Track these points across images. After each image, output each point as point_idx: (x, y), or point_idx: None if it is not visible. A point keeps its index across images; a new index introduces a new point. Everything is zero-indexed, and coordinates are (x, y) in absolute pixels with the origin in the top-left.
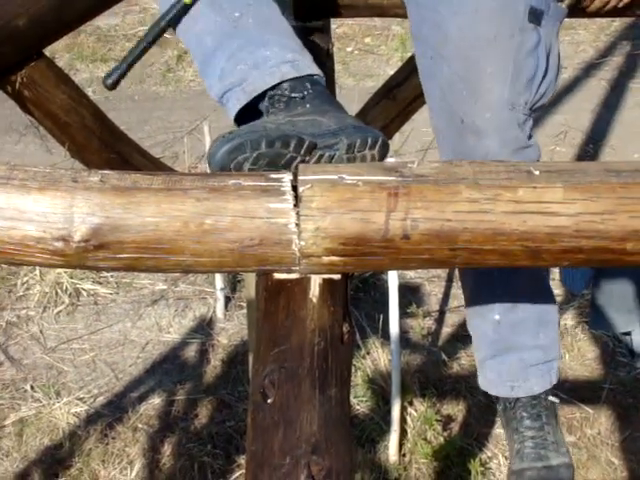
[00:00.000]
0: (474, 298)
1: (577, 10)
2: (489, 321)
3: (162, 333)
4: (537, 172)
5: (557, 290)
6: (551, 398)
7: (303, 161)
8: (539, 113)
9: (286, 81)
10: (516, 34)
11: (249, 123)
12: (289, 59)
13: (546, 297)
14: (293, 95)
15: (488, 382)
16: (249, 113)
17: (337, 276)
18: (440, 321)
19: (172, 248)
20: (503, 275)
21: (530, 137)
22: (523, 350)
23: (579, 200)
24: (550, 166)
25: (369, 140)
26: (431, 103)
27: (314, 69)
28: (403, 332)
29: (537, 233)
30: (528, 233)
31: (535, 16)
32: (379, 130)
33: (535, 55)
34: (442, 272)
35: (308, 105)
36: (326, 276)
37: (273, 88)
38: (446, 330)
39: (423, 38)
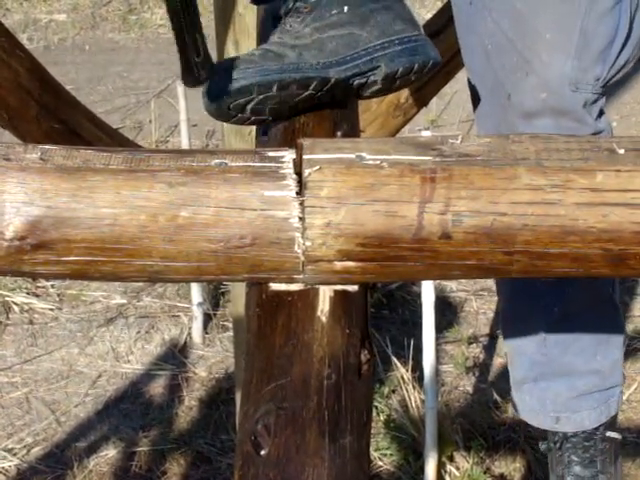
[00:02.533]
0: (512, 306)
1: None
2: (532, 338)
3: (120, 362)
4: (622, 150)
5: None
6: (610, 434)
7: (322, 96)
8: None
9: None
10: None
11: (257, 51)
12: None
13: (608, 309)
14: None
15: (526, 409)
16: None
17: (354, 287)
18: (490, 349)
19: (135, 249)
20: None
21: (600, 118)
22: (574, 375)
23: None
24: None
25: (415, 66)
26: (470, 63)
27: None
28: (441, 363)
29: (621, 232)
30: (609, 232)
31: None
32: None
33: (614, 15)
34: (493, 284)
35: (346, 8)
36: (339, 287)
37: None
38: (498, 361)
39: None
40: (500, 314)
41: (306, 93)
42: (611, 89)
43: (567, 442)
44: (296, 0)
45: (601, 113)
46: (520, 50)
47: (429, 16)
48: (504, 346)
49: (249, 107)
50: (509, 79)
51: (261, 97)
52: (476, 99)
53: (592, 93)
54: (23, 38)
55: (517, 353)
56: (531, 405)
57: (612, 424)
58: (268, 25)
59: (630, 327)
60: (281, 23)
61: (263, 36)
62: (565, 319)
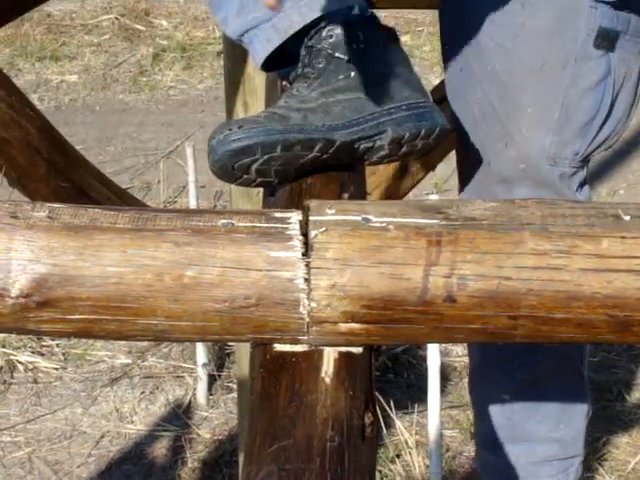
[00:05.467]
0: (481, 369)
1: None
2: (497, 401)
3: (123, 423)
4: (627, 217)
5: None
6: None
7: (328, 158)
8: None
9: (330, 24)
10: (570, 65)
11: (262, 113)
12: None
13: (575, 379)
14: (337, 55)
15: (488, 470)
16: (279, 54)
17: (358, 349)
18: None
19: (140, 308)
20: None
21: (581, 189)
22: (535, 441)
23: None
24: None
25: (422, 131)
26: (459, 126)
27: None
28: (446, 428)
29: (626, 298)
30: (614, 298)
31: (606, 39)
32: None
33: (598, 91)
34: None
35: (353, 73)
36: (344, 349)
37: (312, 30)
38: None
39: (453, 43)
40: (469, 375)
41: (311, 155)
42: (618, 157)
43: None
44: (304, 66)
45: (582, 184)
46: (503, 121)
47: (437, 82)
48: (471, 405)
49: (254, 168)
50: (491, 147)
51: (265, 157)
52: (461, 161)
53: (570, 167)
54: (34, 98)
55: (482, 414)
56: (492, 467)
57: None
58: (276, 90)
59: (636, 395)
60: (288, 88)
61: (272, 98)
62: (530, 386)
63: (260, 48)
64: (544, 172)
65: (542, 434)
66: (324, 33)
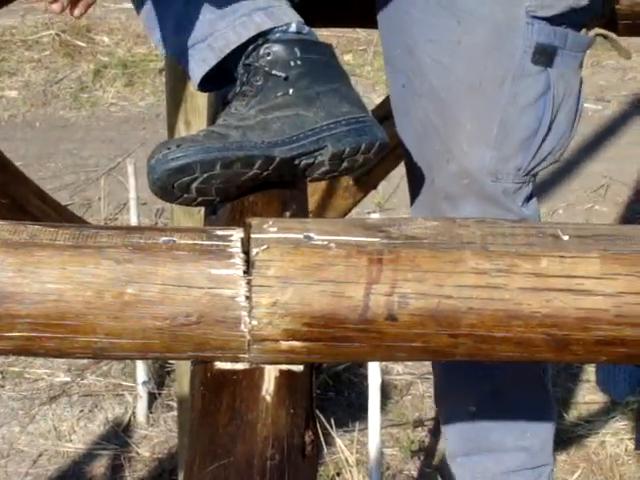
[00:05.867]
0: (445, 381)
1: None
2: (463, 413)
3: (62, 441)
4: (566, 237)
5: (592, 395)
6: None
7: (269, 175)
8: (554, 164)
9: (267, 42)
10: (507, 82)
11: (201, 132)
12: (262, 5)
13: (538, 389)
14: (274, 72)
15: None
16: (218, 73)
17: (299, 367)
18: (436, 433)
19: (80, 325)
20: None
21: (527, 204)
22: (502, 451)
23: (621, 276)
24: (584, 229)
25: (362, 146)
26: (404, 144)
27: (292, 16)
28: (386, 446)
29: (565, 317)
30: (553, 317)
31: (544, 55)
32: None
33: (538, 107)
34: None
35: (291, 90)
36: (285, 367)
37: (248, 47)
38: (444, 445)
39: (394, 62)
40: (434, 387)
41: (251, 172)
42: (558, 177)
43: None
44: (242, 84)
45: (528, 199)
46: (443, 138)
47: (379, 100)
48: (439, 416)
49: (194, 186)
50: (434, 164)
51: (205, 176)
52: (410, 180)
53: (513, 182)
54: None
55: (449, 426)
56: (462, 479)
57: None
58: (218, 108)
59: (574, 413)
60: (227, 106)
61: (214, 117)
62: (494, 397)
63: (196, 68)
64: (487, 187)
65: (509, 444)
66: (261, 51)
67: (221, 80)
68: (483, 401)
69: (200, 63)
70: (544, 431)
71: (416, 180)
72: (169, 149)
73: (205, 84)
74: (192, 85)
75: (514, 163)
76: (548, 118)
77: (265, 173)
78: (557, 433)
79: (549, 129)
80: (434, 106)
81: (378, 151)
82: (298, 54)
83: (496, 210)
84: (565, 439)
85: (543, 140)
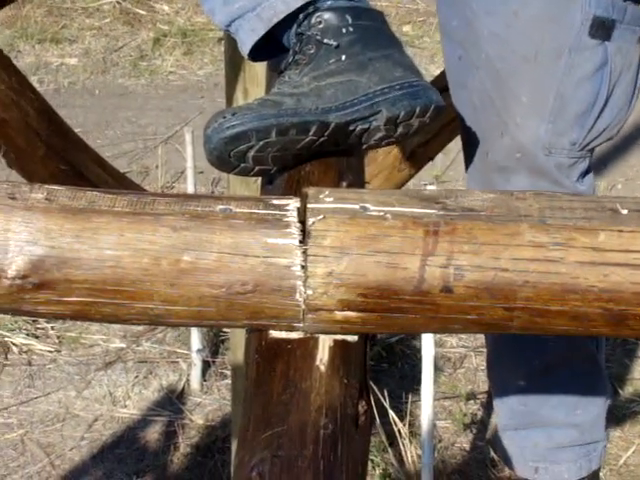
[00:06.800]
0: (496, 355)
1: None
2: (513, 387)
3: (116, 407)
4: (625, 211)
5: None
6: None
7: (325, 142)
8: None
9: (318, 10)
10: (564, 55)
11: (256, 100)
12: None
13: (590, 365)
14: (325, 41)
15: (508, 456)
16: (269, 43)
17: (353, 338)
18: (488, 406)
19: (137, 292)
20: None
21: (582, 179)
22: (553, 426)
23: None
24: None
25: (417, 109)
26: (461, 116)
27: None
28: (439, 419)
29: (622, 292)
30: (610, 291)
31: (601, 28)
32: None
33: (595, 81)
34: None
35: (344, 56)
36: (339, 337)
37: (299, 16)
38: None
39: (452, 33)
40: (486, 359)
41: (307, 139)
42: (617, 152)
43: None
44: (295, 53)
45: (584, 174)
46: (498, 110)
47: (437, 72)
48: (490, 388)
49: (250, 155)
50: (488, 136)
51: (261, 143)
52: (466, 151)
53: (568, 157)
54: (34, 80)
55: (500, 400)
56: (512, 453)
57: (594, 479)
58: (274, 77)
59: (629, 389)
60: (280, 76)
61: (272, 85)
62: (545, 372)
63: (245, 38)
64: (539, 161)
65: (559, 420)
66: (313, 20)
67: (271, 49)
68: (533, 376)
69: (249, 33)
70: (596, 408)
71: (471, 152)
72: (224, 118)
73: (255, 53)
74: (242, 55)
75: (569, 137)
76: (605, 92)
77: (321, 140)
78: (612, 409)
79: (605, 104)
80: (491, 78)
81: (433, 114)
82: (350, 21)
83: (548, 185)
84: (620, 415)
85: (599, 115)
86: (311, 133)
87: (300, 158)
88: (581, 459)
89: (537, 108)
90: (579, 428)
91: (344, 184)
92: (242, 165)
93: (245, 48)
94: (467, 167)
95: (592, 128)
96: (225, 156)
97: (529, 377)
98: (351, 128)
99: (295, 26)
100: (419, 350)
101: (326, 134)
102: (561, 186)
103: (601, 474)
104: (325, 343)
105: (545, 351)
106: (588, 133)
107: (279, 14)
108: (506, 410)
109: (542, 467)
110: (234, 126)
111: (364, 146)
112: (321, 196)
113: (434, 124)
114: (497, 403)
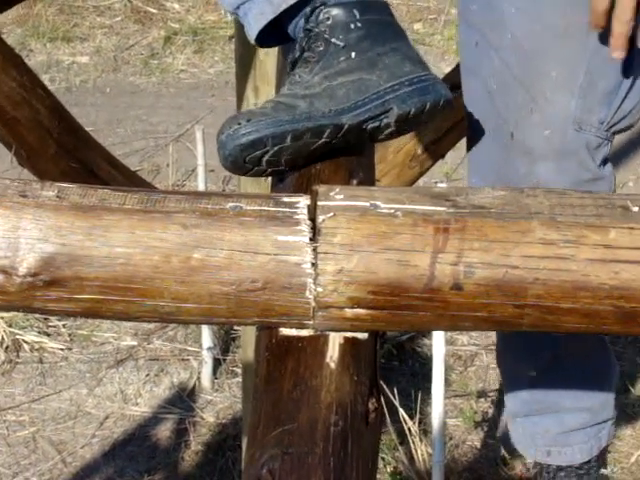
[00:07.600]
0: (505, 344)
1: None
2: (523, 375)
3: (128, 405)
4: (636, 208)
5: None
6: (603, 471)
7: (337, 143)
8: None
9: (325, 5)
10: (593, 31)
11: (269, 103)
12: None
13: (599, 351)
14: (333, 40)
15: (519, 441)
16: (275, 30)
17: (364, 335)
18: (499, 404)
19: (147, 289)
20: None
21: (604, 165)
22: (563, 412)
23: None
24: None
25: (427, 105)
26: (470, 105)
27: None
28: (449, 417)
29: (633, 290)
30: (621, 289)
31: None
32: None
33: (622, 60)
34: None
35: (353, 54)
36: (349, 335)
37: (306, 9)
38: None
39: (470, 17)
40: (495, 348)
41: (320, 141)
42: (628, 149)
43: (561, 472)
44: (304, 50)
45: (605, 161)
46: (526, 88)
47: (448, 70)
48: (499, 372)
49: (265, 159)
50: (513, 117)
51: (276, 149)
52: (474, 143)
53: (595, 136)
54: (45, 79)
55: (509, 388)
56: (523, 438)
57: (603, 454)
58: (284, 75)
59: (639, 387)
60: (290, 74)
61: (282, 84)
62: (555, 362)
63: (253, 22)
64: (569, 137)
65: (570, 405)
66: (321, 15)
67: (277, 37)
68: (543, 365)
69: (258, 16)
70: (606, 389)
71: (486, 142)
72: (239, 124)
73: (261, 39)
74: (249, 39)
75: (597, 115)
76: (632, 73)
77: (334, 141)
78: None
79: (632, 85)
80: (516, 56)
81: (443, 109)
82: (357, 16)
83: (574, 167)
84: (631, 414)
85: (625, 96)
86: (325, 136)
87: (312, 158)
88: (592, 439)
89: (567, 83)
90: (590, 411)
91: (354, 182)
92: (256, 168)
93: (252, 32)
94: (476, 153)
95: (619, 108)
96: (240, 161)
97: (539, 366)
98: (363, 127)
99: (303, 21)
100: (430, 348)
101: (339, 136)
102: (586, 169)
103: (612, 472)
104: (335, 340)
105: (555, 340)
106: (615, 113)
107: (289, 0)
108: (516, 398)
109: (554, 450)
110: (250, 133)
111: (374, 141)
112: (331, 193)
113: (445, 122)
114: (506, 390)
